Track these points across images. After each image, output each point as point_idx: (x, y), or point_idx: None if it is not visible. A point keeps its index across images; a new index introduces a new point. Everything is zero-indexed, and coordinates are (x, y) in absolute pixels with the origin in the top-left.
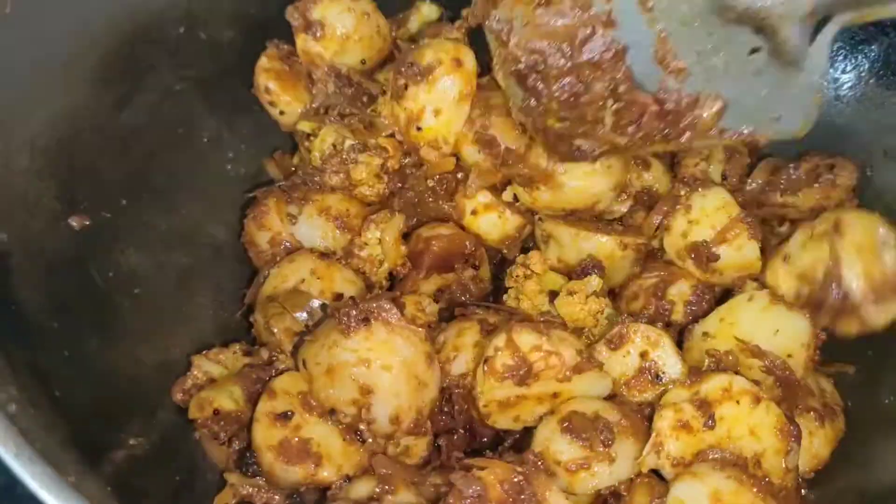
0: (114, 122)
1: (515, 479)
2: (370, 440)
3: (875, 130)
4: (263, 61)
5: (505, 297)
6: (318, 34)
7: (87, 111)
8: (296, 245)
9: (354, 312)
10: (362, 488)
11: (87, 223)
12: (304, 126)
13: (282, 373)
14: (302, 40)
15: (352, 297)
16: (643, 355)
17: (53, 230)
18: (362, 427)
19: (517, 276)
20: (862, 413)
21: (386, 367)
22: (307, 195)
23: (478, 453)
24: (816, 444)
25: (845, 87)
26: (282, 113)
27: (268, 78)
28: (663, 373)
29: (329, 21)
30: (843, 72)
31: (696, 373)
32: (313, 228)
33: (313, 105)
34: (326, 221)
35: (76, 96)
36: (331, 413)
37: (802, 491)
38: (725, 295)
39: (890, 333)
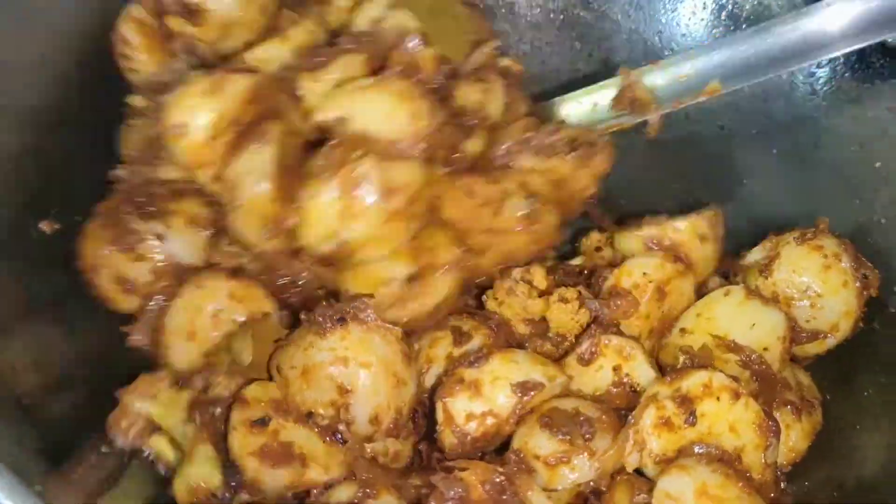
0: (84, 125)
1: (497, 480)
2: (350, 441)
3: (851, 124)
4: (134, 9)
5: (484, 298)
6: (197, 19)
7: (57, 113)
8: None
9: (330, 312)
10: (343, 493)
11: (57, 227)
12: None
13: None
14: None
15: (326, 299)
16: (616, 369)
17: (23, 234)
18: (341, 428)
19: (521, 293)
20: (840, 406)
21: (364, 364)
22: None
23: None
24: (794, 437)
25: (821, 81)
26: (133, 71)
27: (132, 29)
28: (639, 384)
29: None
30: (819, 66)
31: (674, 371)
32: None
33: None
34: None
35: (45, 98)
36: (308, 416)
37: (782, 484)
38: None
39: (868, 327)
